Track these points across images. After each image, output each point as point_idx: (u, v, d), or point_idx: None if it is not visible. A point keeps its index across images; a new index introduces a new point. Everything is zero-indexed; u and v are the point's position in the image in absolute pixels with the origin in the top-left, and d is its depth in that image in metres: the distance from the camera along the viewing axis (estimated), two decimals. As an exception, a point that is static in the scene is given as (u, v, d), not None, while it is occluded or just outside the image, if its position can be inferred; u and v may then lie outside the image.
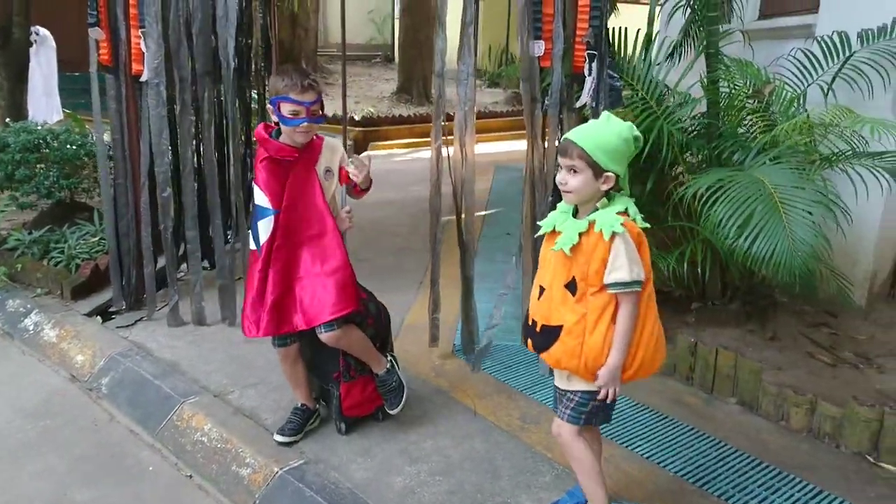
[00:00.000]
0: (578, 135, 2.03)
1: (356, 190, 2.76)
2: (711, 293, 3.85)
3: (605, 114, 2.11)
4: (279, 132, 2.59)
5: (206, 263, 4.07)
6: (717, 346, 3.19)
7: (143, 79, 3.57)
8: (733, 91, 3.61)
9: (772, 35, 4.90)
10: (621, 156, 2.01)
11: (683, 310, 3.87)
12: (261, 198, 2.57)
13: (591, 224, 2.01)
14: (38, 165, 4.72)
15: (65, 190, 4.79)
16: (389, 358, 2.86)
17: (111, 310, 3.91)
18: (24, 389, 3.30)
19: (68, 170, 4.80)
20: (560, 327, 2.07)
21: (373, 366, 2.78)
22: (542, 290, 2.15)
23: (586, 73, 3.14)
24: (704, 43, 3.46)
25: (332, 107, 10.58)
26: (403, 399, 2.83)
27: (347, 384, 2.76)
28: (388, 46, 18.28)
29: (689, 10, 3.94)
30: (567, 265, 2.06)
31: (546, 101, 3.17)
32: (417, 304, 4.03)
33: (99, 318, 3.84)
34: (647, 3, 11.77)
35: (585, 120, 3.29)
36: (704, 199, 3.01)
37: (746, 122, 3.64)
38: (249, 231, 2.69)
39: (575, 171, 2.02)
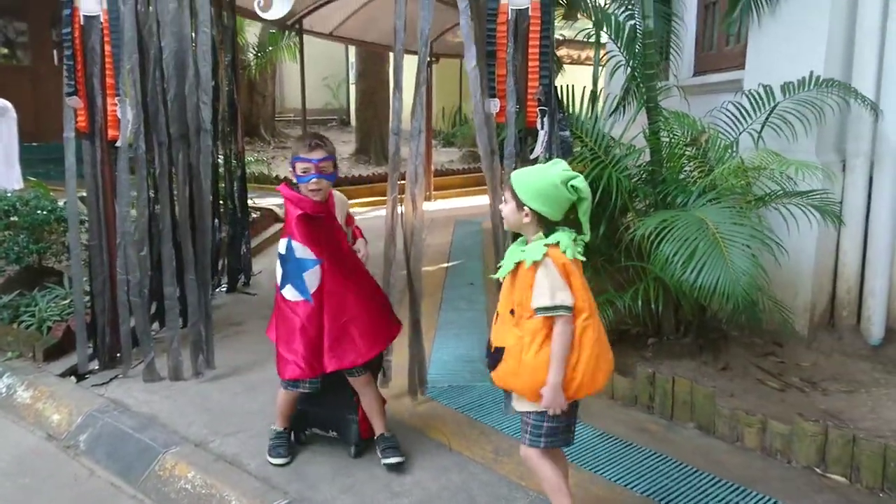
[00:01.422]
0: (515, 173, 2.36)
1: None
2: (666, 329, 4.09)
3: (554, 160, 2.38)
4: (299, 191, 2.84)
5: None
6: (673, 376, 3.40)
7: (118, 144, 3.72)
8: (673, 140, 3.94)
9: (705, 90, 5.33)
10: (546, 197, 2.22)
11: (641, 345, 4.10)
12: (303, 251, 2.81)
13: (522, 255, 2.24)
14: (6, 231, 4.77)
15: (33, 255, 4.84)
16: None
17: (80, 371, 3.93)
18: (1, 450, 3.31)
19: (37, 235, 4.86)
20: (503, 349, 2.29)
21: (380, 424, 3.00)
22: (497, 315, 2.39)
23: (539, 127, 3.42)
24: (645, 98, 3.79)
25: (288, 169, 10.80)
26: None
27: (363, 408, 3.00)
28: (344, 110, 18.75)
29: (628, 69, 4.31)
30: (509, 292, 2.31)
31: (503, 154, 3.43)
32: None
33: (73, 377, 3.87)
34: (590, 63, 12.44)
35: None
36: (652, 238, 3.28)
37: (687, 168, 3.96)
38: (288, 285, 2.85)
39: (505, 202, 2.33)
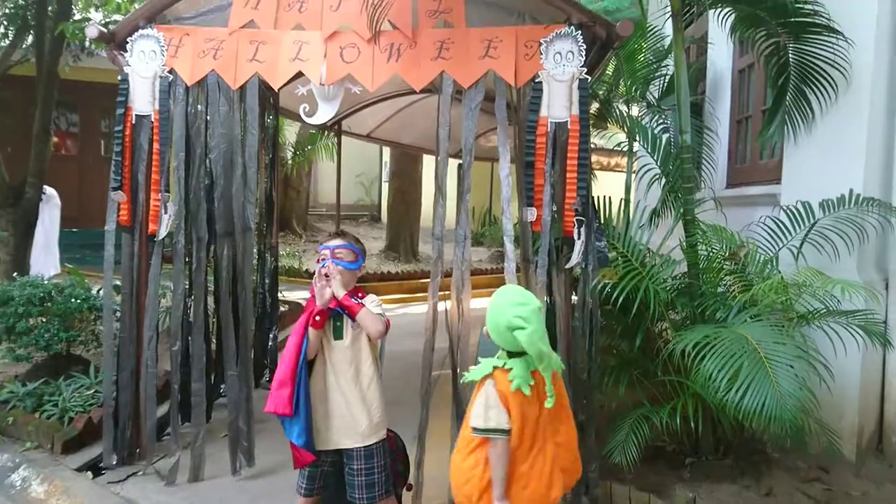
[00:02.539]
0: (496, 294, 2.38)
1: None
2: (705, 447, 3.90)
3: (518, 291, 2.39)
4: None
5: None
6: (716, 503, 3.20)
7: (158, 238, 3.78)
8: (711, 254, 3.88)
9: (739, 202, 5.32)
10: (498, 333, 2.29)
11: (678, 465, 3.90)
12: None
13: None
14: (38, 318, 4.80)
15: (62, 342, 4.84)
16: None
17: (105, 464, 3.85)
18: (8, 550, 3.19)
19: (68, 323, 4.88)
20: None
21: None
22: None
23: (575, 236, 3.42)
24: (682, 210, 3.77)
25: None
26: None
27: None
28: (375, 206, 19.11)
29: (663, 181, 4.33)
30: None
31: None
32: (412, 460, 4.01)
33: (90, 472, 3.78)
34: (620, 170, 12.62)
35: (576, 279, 3.53)
36: (693, 354, 3.17)
37: (725, 281, 3.89)
38: None
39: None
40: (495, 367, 2.28)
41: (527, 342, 2.18)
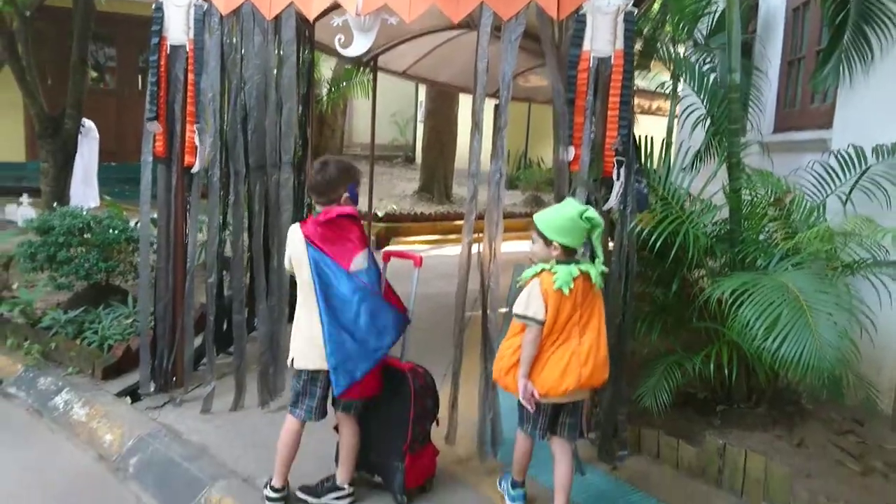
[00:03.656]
0: (537, 215, 2.79)
1: None
2: (737, 396, 3.86)
3: (567, 199, 2.85)
4: None
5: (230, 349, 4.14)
6: (746, 449, 3.18)
7: (194, 170, 3.78)
8: (755, 199, 3.76)
9: (786, 148, 5.12)
10: (567, 231, 2.69)
11: (709, 412, 3.87)
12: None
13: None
14: (79, 248, 4.90)
15: (102, 273, 4.94)
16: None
17: (142, 391, 3.96)
18: (53, 468, 3.32)
19: (107, 254, 4.97)
20: None
21: (342, 473, 2.91)
22: None
23: (614, 177, 3.32)
24: (726, 153, 3.64)
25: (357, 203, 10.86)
26: None
27: (413, 456, 2.90)
28: (410, 147, 18.96)
29: (708, 122, 4.16)
30: None
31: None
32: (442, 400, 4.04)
33: (128, 398, 3.89)
34: (661, 114, 12.28)
35: (613, 223, 3.44)
36: (731, 301, 3.10)
37: (768, 228, 3.77)
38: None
39: (534, 242, 2.78)
40: (543, 269, 2.69)
41: (596, 216, 2.69)
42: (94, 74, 12.19)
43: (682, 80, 4.18)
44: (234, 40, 3.76)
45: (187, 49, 3.72)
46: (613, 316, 3.40)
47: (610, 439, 3.48)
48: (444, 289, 6.73)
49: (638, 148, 3.49)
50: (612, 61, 3.29)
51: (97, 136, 8.89)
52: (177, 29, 3.71)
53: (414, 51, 8.26)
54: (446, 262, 9.26)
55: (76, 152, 6.85)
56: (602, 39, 3.29)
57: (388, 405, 2.96)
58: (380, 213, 10.26)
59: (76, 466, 3.35)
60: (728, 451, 3.20)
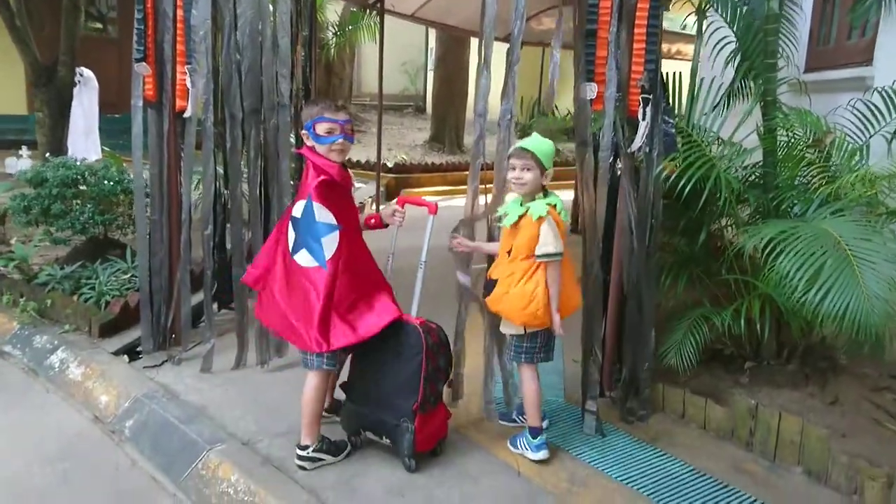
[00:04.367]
0: (530, 144, 2.77)
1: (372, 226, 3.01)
2: (766, 352, 3.63)
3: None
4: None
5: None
6: (779, 410, 2.97)
7: (186, 115, 3.53)
8: (792, 140, 3.46)
9: (819, 88, 4.77)
10: (551, 159, 2.79)
11: (736, 369, 3.65)
12: (325, 215, 2.67)
13: (527, 210, 2.73)
14: (74, 201, 4.69)
15: (99, 226, 4.74)
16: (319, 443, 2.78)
17: (139, 349, 3.80)
18: (46, 430, 3.17)
19: (104, 206, 4.77)
20: (496, 280, 2.82)
21: (303, 434, 2.75)
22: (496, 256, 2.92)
23: (640, 117, 3.04)
24: (762, 91, 3.34)
25: (365, 154, 10.62)
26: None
27: (423, 416, 2.72)
28: (420, 97, 18.51)
29: (739, 58, 3.83)
30: (509, 238, 2.81)
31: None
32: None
33: (126, 357, 3.73)
34: (681, 58, 11.77)
35: (637, 166, 3.17)
36: (766, 251, 2.84)
37: (805, 172, 3.48)
38: (302, 250, 2.70)
39: (528, 170, 2.74)
40: (548, 206, 2.72)
41: None
42: (98, 25, 11.88)
43: (710, 12, 3.82)
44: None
45: (175, -19, 3.43)
46: (637, 267, 3.16)
47: (632, 398, 3.28)
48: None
49: (665, 86, 3.19)
50: (639, -12, 2.98)
51: (97, 85, 8.58)
52: (163, -41, 3.42)
53: (422, -8, 7.90)
54: (458, 214, 9.01)
55: (72, 101, 6.58)
56: (628, -38, 2.97)
57: (397, 361, 2.76)
58: (389, 164, 10.00)
59: (71, 428, 3.20)
60: (760, 412, 2.99)
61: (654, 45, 2.99)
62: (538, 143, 2.77)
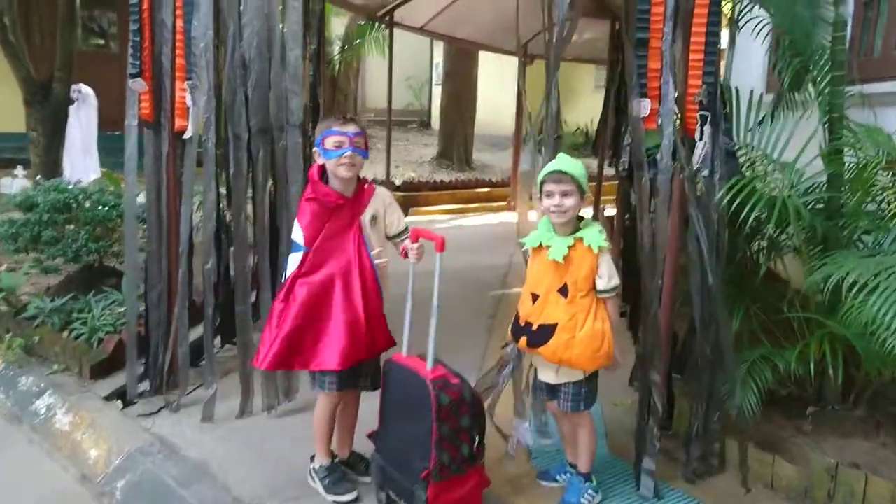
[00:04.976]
0: (566, 165, 2.47)
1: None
2: (830, 395, 3.27)
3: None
4: (328, 178, 2.58)
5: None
6: (866, 472, 2.60)
7: (186, 135, 3.20)
8: (862, 162, 3.11)
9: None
10: (587, 182, 2.51)
11: (796, 414, 3.28)
12: (297, 234, 2.57)
13: (578, 240, 2.45)
14: (66, 226, 4.35)
15: (93, 254, 4.40)
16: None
17: (129, 397, 3.43)
18: (27, 490, 2.81)
19: (99, 232, 4.43)
20: (555, 325, 2.45)
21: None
22: (535, 297, 2.52)
23: (697, 136, 2.70)
24: (828, 106, 3.00)
25: (372, 171, 10.33)
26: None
27: (437, 485, 2.32)
28: (425, 112, 18.25)
29: (792, 63, 3.47)
30: (559, 274, 2.47)
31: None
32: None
33: (119, 401, 3.37)
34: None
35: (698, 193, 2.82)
36: (847, 287, 2.49)
37: (879, 198, 3.13)
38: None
39: (568, 195, 2.44)
40: (599, 230, 2.47)
41: None
42: (100, 42, 11.66)
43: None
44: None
45: (174, -12, 3.11)
46: (711, 306, 2.81)
47: (701, 456, 2.91)
48: (472, 262, 6.17)
49: (726, 101, 2.85)
50: (696, -9, 2.65)
51: (95, 102, 8.27)
52: (161, -36, 3.10)
53: (431, 6, 7.69)
54: (471, 234, 8.69)
55: (68, 119, 6.26)
56: (682, -39, 2.64)
57: (410, 418, 2.42)
58: (397, 181, 9.67)
59: (55, 488, 2.84)
60: (841, 473, 2.62)
61: (714, 55, 2.66)
62: (574, 165, 2.48)
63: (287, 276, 2.57)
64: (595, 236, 2.44)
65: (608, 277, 2.44)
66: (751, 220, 2.70)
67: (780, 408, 3.33)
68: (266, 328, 2.60)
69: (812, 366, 2.92)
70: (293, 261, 2.57)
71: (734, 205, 2.70)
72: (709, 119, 2.66)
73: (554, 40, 2.77)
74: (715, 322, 2.79)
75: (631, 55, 2.71)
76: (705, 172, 2.70)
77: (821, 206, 3.16)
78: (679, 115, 2.69)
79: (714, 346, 2.86)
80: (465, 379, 2.50)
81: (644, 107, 2.68)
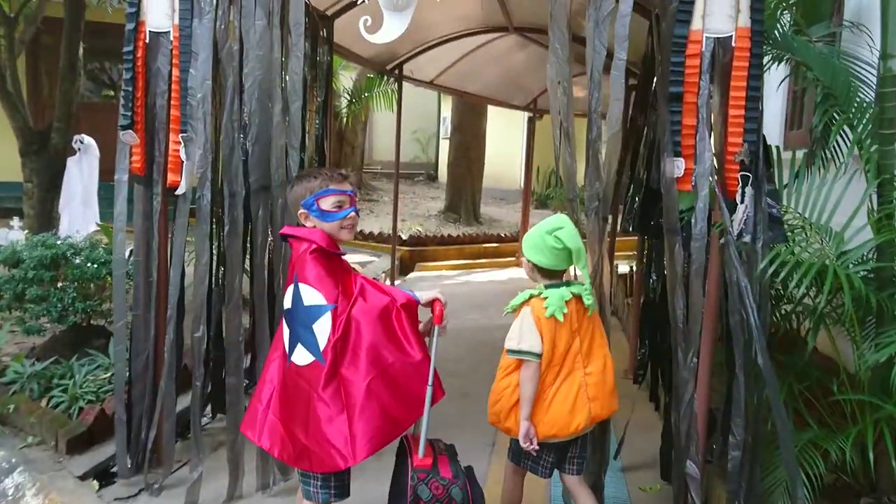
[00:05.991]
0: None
1: None
2: (885, 485, 2.93)
3: (558, 214, 2.48)
4: None
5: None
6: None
7: (178, 192, 2.96)
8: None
9: None
10: (540, 249, 2.40)
11: (848, 505, 2.95)
12: (313, 295, 2.14)
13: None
14: (53, 284, 4.09)
15: (80, 313, 4.13)
16: None
17: (113, 469, 3.13)
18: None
19: (88, 289, 4.17)
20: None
21: None
22: None
23: (738, 199, 2.45)
24: (876, 167, 2.75)
25: (378, 224, 10.11)
26: None
27: None
28: (432, 165, 18.21)
29: (827, 117, 3.24)
30: None
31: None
32: (493, 471, 3.16)
33: (95, 482, 3.05)
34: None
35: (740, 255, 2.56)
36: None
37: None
38: (298, 346, 2.16)
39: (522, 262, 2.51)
40: (532, 296, 2.39)
41: (567, 235, 2.33)
42: (110, 93, 11.67)
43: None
44: (234, 25, 2.95)
45: (171, 36, 2.91)
46: (744, 386, 2.51)
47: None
48: (480, 321, 5.87)
49: (769, 160, 2.61)
50: (734, 43, 2.44)
51: (97, 153, 8.13)
52: (158, 11, 2.91)
53: (441, 60, 7.63)
54: (479, 291, 8.40)
55: (64, 170, 6.06)
56: (719, 14, 2.45)
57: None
58: (403, 236, 9.46)
59: (15, 588, 2.51)
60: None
61: (755, 110, 2.43)
62: (526, 237, 2.49)
63: (323, 347, 2.12)
64: (520, 296, 2.41)
65: (507, 338, 2.37)
66: (801, 290, 2.42)
67: (829, 498, 2.99)
68: (323, 420, 2.12)
69: (871, 453, 2.60)
70: (322, 326, 2.12)
71: (780, 275, 2.43)
72: (750, 180, 2.42)
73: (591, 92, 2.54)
74: (763, 407, 2.49)
75: (664, 111, 2.48)
76: (746, 238, 2.44)
77: (871, 276, 2.87)
78: (717, 176, 2.45)
79: (756, 435, 2.55)
80: (470, 474, 2.22)
81: (678, 167, 2.43)
